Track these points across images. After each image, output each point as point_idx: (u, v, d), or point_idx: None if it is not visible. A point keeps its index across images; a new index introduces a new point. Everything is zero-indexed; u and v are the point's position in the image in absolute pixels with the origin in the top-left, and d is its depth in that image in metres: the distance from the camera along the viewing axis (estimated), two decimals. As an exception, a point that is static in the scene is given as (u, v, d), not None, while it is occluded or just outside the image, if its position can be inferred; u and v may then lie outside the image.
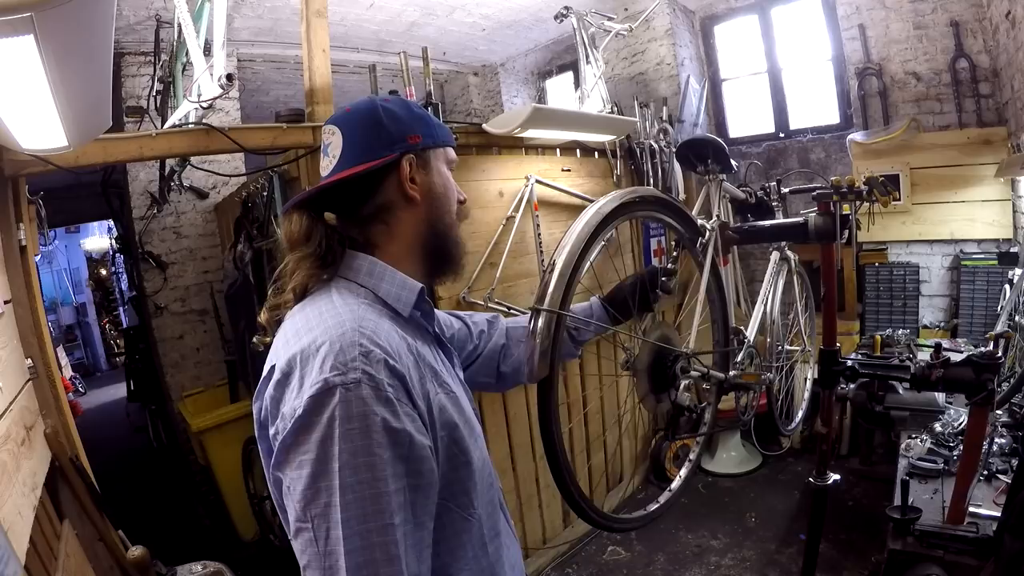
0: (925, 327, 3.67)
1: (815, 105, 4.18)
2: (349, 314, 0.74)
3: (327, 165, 0.86)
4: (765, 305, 2.24)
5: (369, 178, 0.83)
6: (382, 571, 0.63)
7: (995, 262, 3.37)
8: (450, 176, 0.92)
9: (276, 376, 0.72)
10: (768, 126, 4.40)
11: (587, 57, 3.34)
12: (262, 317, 0.85)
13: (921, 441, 2.47)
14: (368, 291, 0.81)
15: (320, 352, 0.69)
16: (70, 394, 2.30)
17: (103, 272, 9.85)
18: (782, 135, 4.33)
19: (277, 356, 0.74)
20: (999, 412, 2.32)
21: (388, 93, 2.25)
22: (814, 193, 1.99)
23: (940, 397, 2.73)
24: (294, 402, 0.68)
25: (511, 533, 0.92)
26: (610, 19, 3.48)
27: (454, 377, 0.89)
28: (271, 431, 0.72)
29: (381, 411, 0.66)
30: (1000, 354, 2.01)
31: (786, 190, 2.49)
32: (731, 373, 1.85)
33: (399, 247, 0.86)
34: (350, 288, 0.81)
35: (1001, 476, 2.07)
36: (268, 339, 0.83)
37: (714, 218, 2.04)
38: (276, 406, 0.71)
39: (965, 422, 2.35)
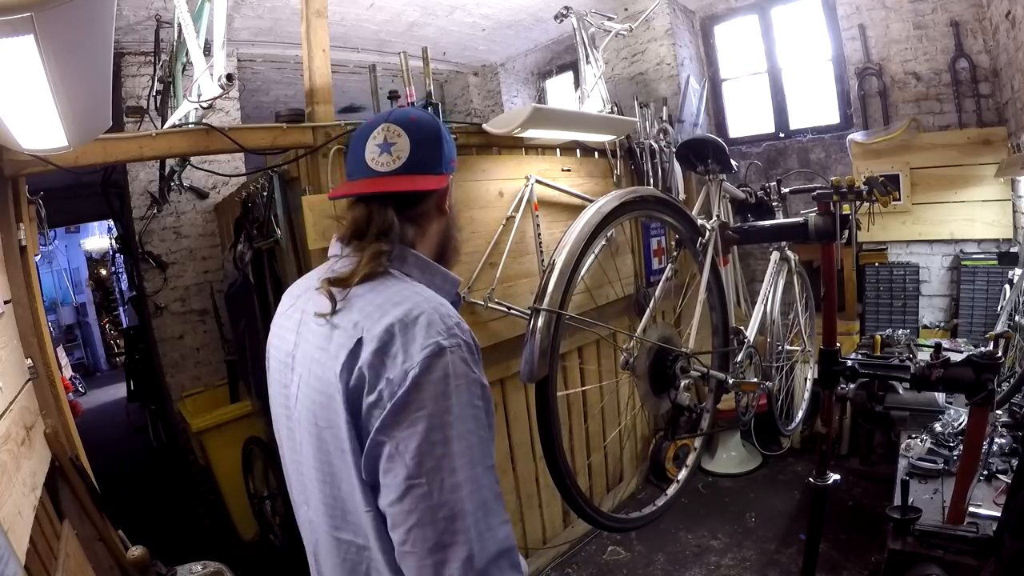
0: (925, 327, 3.68)
1: (815, 105, 4.19)
2: (429, 293, 0.83)
3: (387, 162, 0.90)
4: (765, 305, 2.24)
5: (425, 193, 0.92)
6: (492, 507, 0.73)
7: (995, 262, 3.37)
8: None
9: (373, 344, 0.75)
10: (768, 126, 4.40)
11: (587, 57, 3.34)
12: (320, 295, 0.85)
13: (921, 441, 2.47)
14: (420, 283, 0.87)
15: (421, 320, 0.76)
16: (70, 394, 2.30)
17: (103, 272, 9.86)
18: (782, 135, 4.33)
19: (363, 329, 0.77)
20: (999, 412, 2.32)
21: (388, 93, 2.25)
22: (814, 193, 1.99)
23: (940, 397, 2.73)
24: (405, 365, 0.73)
25: None
26: (610, 19, 3.48)
27: None
28: (370, 398, 0.75)
29: (477, 370, 0.78)
30: (1000, 354, 2.01)
31: (786, 190, 2.50)
32: (730, 381, 1.85)
33: (426, 248, 0.94)
34: (409, 277, 0.87)
35: (1001, 476, 2.07)
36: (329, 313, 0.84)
37: (714, 218, 2.04)
38: (377, 372, 0.75)
39: (965, 422, 2.36)
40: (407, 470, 0.71)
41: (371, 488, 0.77)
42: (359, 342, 0.77)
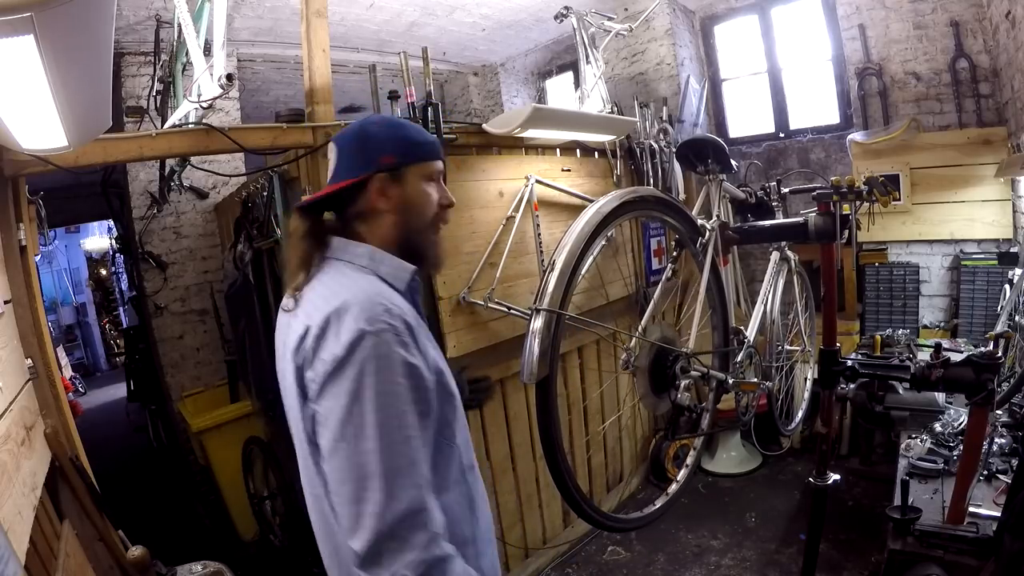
0: (925, 327, 3.67)
1: (815, 105, 4.18)
2: (367, 284, 0.96)
3: (328, 176, 1.08)
4: (765, 305, 2.24)
5: (351, 189, 1.04)
6: (404, 472, 0.82)
7: (995, 262, 3.37)
8: (428, 188, 1.08)
9: (314, 331, 0.90)
10: (768, 126, 4.40)
11: (587, 57, 3.34)
12: (286, 298, 1.02)
13: (921, 441, 2.47)
14: (371, 271, 1.01)
15: (352, 310, 0.88)
16: (70, 394, 2.30)
17: (103, 272, 9.86)
18: (782, 135, 4.33)
19: (311, 318, 0.92)
20: (999, 412, 2.32)
21: (388, 93, 2.25)
22: (814, 193, 1.99)
23: (940, 397, 2.73)
24: (333, 348, 0.86)
25: (478, 471, 1.11)
26: (610, 19, 3.48)
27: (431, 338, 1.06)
28: (309, 374, 0.90)
29: (400, 351, 0.87)
30: (1000, 354, 2.01)
31: (786, 190, 2.50)
32: (730, 381, 1.85)
33: (377, 241, 1.05)
34: (355, 268, 1.01)
35: (1001, 476, 2.07)
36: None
37: (714, 218, 2.04)
38: (315, 354, 0.89)
39: (965, 422, 2.35)
40: (332, 433, 0.85)
41: (316, 447, 0.91)
42: (307, 329, 0.91)
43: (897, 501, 1.95)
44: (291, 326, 0.97)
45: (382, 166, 1.04)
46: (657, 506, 1.84)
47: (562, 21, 3.30)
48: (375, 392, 0.84)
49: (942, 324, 3.64)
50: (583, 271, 1.44)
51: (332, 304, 0.90)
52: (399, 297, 0.98)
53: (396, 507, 0.81)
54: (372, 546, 0.80)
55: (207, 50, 1.99)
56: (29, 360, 1.64)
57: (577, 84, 3.70)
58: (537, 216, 2.78)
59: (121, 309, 8.83)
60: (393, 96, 2.25)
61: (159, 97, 3.03)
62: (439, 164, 1.11)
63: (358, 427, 0.83)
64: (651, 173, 3.41)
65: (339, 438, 0.84)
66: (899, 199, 3.53)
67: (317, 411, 0.88)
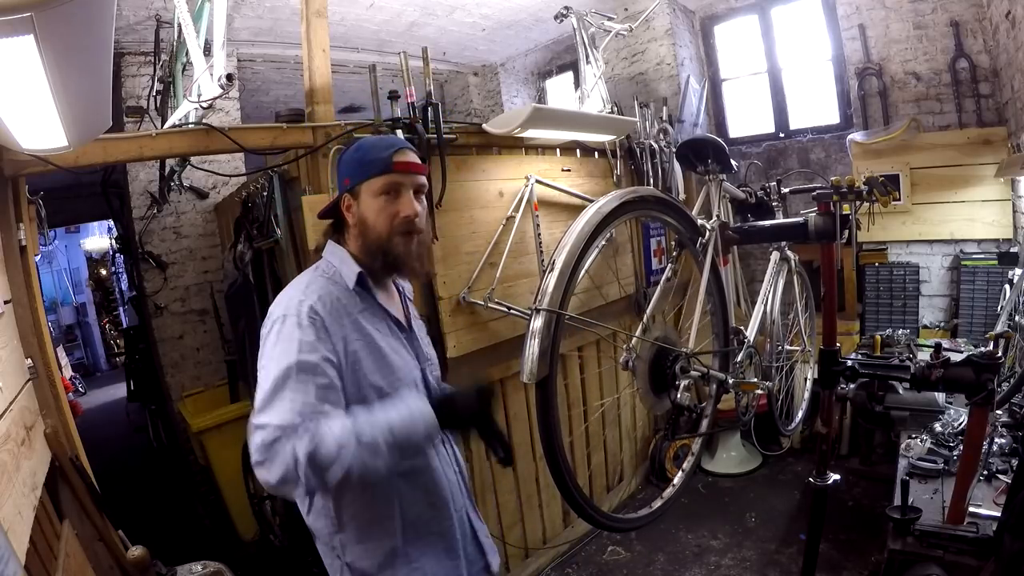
0: (925, 327, 3.67)
1: (815, 105, 4.18)
2: (306, 281, 1.20)
3: None
4: (765, 305, 2.24)
5: (335, 205, 1.27)
6: (282, 395, 1.02)
7: (995, 262, 3.37)
8: (378, 202, 1.20)
9: (268, 315, 1.16)
10: (768, 126, 4.40)
11: (587, 57, 3.34)
12: None
13: (921, 441, 2.47)
14: (337, 269, 1.23)
15: (279, 300, 1.16)
16: (70, 394, 2.30)
17: (103, 272, 9.86)
18: (782, 135, 4.33)
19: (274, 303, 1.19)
20: (999, 412, 2.32)
21: (388, 93, 2.25)
22: (814, 193, 1.99)
23: (940, 397, 2.73)
24: (267, 323, 1.14)
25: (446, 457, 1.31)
26: (610, 19, 3.48)
27: (397, 340, 1.25)
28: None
29: (296, 332, 1.09)
30: (1000, 354, 2.01)
31: (786, 190, 2.49)
32: (730, 381, 1.85)
33: (352, 248, 1.25)
34: (326, 266, 1.24)
35: (1001, 476, 2.07)
36: None
37: (714, 218, 2.04)
38: (263, 333, 1.15)
39: (965, 422, 2.35)
40: (260, 374, 1.08)
41: None
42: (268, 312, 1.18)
43: (897, 501, 1.95)
44: None
45: (344, 187, 1.23)
46: (657, 506, 1.84)
47: (562, 21, 3.30)
48: (275, 344, 1.09)
49: (942, 324, 3.64)
50: (583, 271, 1.44)
51: (281, 297, 1.17)
52: (334, 293, 1.17)
53: (264, 417, 1.01)
54: (254, 421, 1.02)
55: (207, 50, 2.00)
56: (29, 360, 1.64)
57: (577, 84, 3.70)
58: (537, 216, 2.78)
59: (121, 309, 8.83)
60: (393, 96, 2.25)
61: (159, 97, 3.03)
62: (392, 177, 1.20)
63: (266, 361, 1.08)
64: (651, 173, 3.41)
65: (261, 367, 1.08)
66: (899, 199, 3.53)
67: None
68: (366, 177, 1.20)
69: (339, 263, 1.23)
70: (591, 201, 1.59)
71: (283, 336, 1.08)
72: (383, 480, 1.11)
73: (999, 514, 1.75)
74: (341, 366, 1.11)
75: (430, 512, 1.22)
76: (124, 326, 8.00)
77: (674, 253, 2.01)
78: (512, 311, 2.48)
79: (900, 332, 3.33)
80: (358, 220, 1.22)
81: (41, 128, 1.10)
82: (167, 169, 3.39)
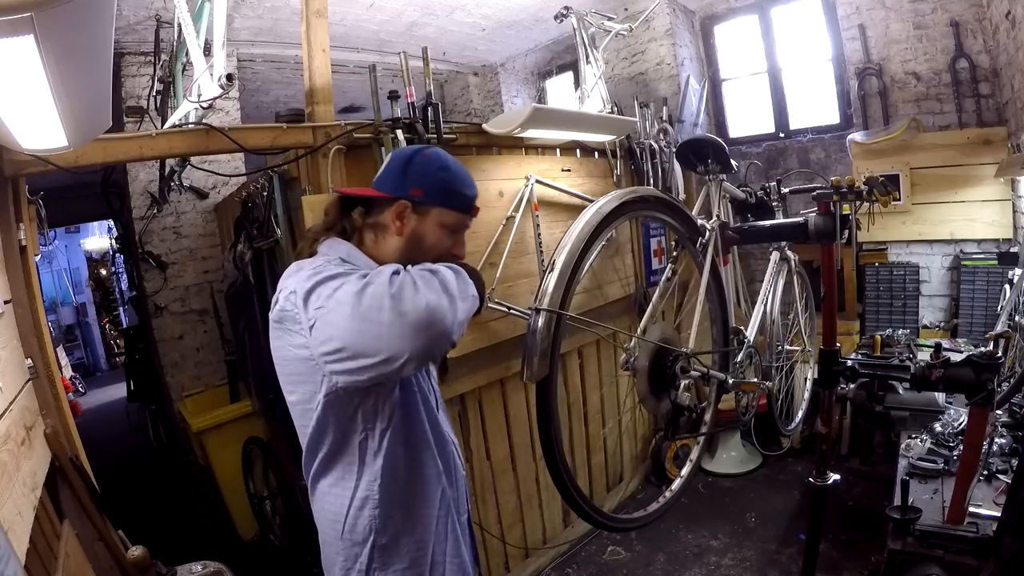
0: (925, 327, 3.67)
1: (815, 105, 4.18)
2: (324, 262, 1.07)
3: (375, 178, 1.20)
4: (765, 305, 2.24)
5: (380, 201, 1.15)
6: (361, 293, 0.92)
7: (995, 262, 3.37)
8: (440, 233, 1.15)
9: (277, 310, 1.06)
10: (768, 126, 4.40)
11: (587, 57, 3.34)
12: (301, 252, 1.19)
13: (921, 441, 2.47)
14: (345, 260, 1.10)
15: (304, 277, 1.01)
16: (70, 394, 2.29)
17: (103, 272, 9.85)
18: (782, 135, 4.33)
19: (287, 284, 1.05)
20: (999, 412, 2.32)
21: (388, 94, 2.25)
22: (814, 193, 1.99)
23: (940, 397, 2.72)
24: (290, 300, 1.02)
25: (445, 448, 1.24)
26: (610, 19, 3.48)
27: None
28: (276, 314, 1.06)
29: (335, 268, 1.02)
30: (1000, 354, 2.01)
31: (786, 190, 2.50)
32: (730, 381, 1.85)
33: (377, 254, 1.15)
34: (329, 258, 1.10)
35: (1001, 476, 2.07)
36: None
37: (714, 218, 2.04)
38: (279, 324, 1.06)
39: (965, 422, 2.35)
40: (315, 305, 0.97)
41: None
42: (281, 290, 1.06)
43: (897, 501, 1.95)
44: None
45: (410, 196, 1.12)
46: (657, 506, 1.84)
47: (562, 21, 3.30)
48: (327, 277, 0.98)
49: (942, 324, 3.64)
50: (583, 271, 1.44)
51: (291, 287, 1.04)
52: None
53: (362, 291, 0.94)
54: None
55: (207, 50, 1.99)
56: (29, 360, 1.64)
57: (577, 84, 3.70)
58: (537, 216, 2.78)
59: (121, 309, 8.81)
60: (393, 96, 2.25)
61: (159, 97, 3.03)
62: (466, 220, 1.18)
63: (327, 294, 0.96)
64: (651, 173, 3.41)
65: (317, 307, 0.97)
66: (899, 199, 3.53)
67: (306, 309, 0.98)
68: (445, 205, 1.14)
69: (349, 257, 1.12)
70: (591, 201, 1.59)
71: (322, 271, 1.00)
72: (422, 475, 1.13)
73: (999, 514, 1.75)
74: None
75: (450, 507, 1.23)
76: (124, 326, 7.99)
77: (674, 253, 2.01)
78: (512, 311, 2.48)
79: (900, 332, 3.33)
80: (410, 235, 1.14)
81: (41, 128, 1.10)
82: (167, 169, 3.39)
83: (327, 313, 0.94)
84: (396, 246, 1.14)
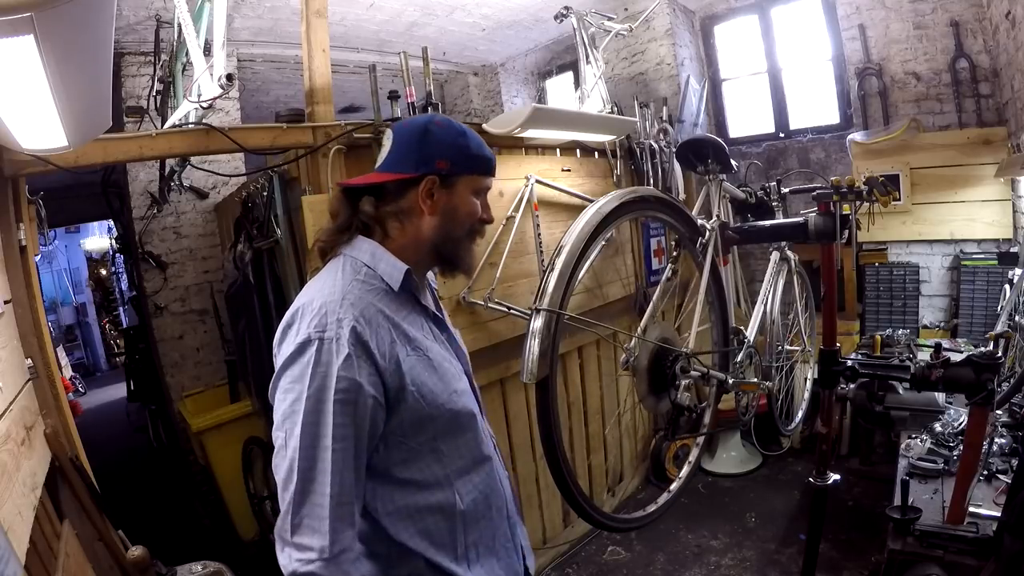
0: (925, 327, 3.67)
1: (815, 105, 4.18)
2: (341, 286, 0.98)
3: (378, 161, 1.08)
4: (765, 305, 2.25)
5: (398, 184, 1.05)
6: (314, 473, 0.89)
7: (995, 262, 3.37)
8: (473, 201, 1.09)
9: (284, 323, 0.98)
10: (768, 126, 4.40)
11: (587, 57, 3.34)
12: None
13: (921, 441, 2.47)
14: (371, 268, 1.03)
15: (310, 311, 0.94)
16: (70, 394, 2.29)
17: (103, 272, 9.86)
18: (782, 135, 4.33)
19: (291, 309, 0.99)
20: (999, 412, 2.32)
21: (388, 94, 2.25)
22: (814, 193, 1.99)
23: (940, 397, 2.72)
24: (288, 347, 0.94)
25: (490, 466, 1.14)
26: (610, 19, 3.48)
27: (440, 343, 1.10)
28: (275, 361, 0.97)
29: (340, 363, 0.90)
30: (1000, 354, 2.01)
31: (786, 190, 2.50)
32: (730, 381, 1.85)
33: (407, 241, 1.06)
34: (355, 265, 1.02)
35: (1001, 476, 2.07)
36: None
37: (714, 218, 2.04)
38: (279, 345, 0.97)
39: (965, 422, 2.35)
40: (277, 420, 0.93)
41: None
42: (285, 318, 1.00)
43: (897, 501, 1.95)
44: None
45: (437, 169, 1.04)
46: (657, 506, 1.84)
47: (562, 21, 3.30)
48: (308, 398, 0.90)
49: (942, 324, 3.64)
50: (583, 271, 1.44)
51: (302, 300, 0.99)
52: (377, 303, 0.99)
53: (302, 509, 0.89)
54: (280, 529, 0.90)
55: (207, 50, 2.00)
56: (29, 360, 1.64)
57: (577, 84, 3.70)
58: (537, 216, 2.78)
59: (121, 309, 8.82)
60: (393, 96, 2.25)
61: (159, 97, 3.03)
62: (490, 181, 1.13)
63: (291, 426, 0.91)
64: (651, 173, 3.41)
65: (279, 426, 0.93)
66: (899, 199, 3.53)
67: (274, 395, 0.96)
68: (472, 171, 1.08)
69: (373, 260, 1.04)
70: (591, 201, 1.59)
71: (316, 375, 0.91)
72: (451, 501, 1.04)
73: (999, 514, 1.75)
74: (388, 394, 0.97)
75: (492, 520, 1.14)
76: (124, 326, 7.99)
77: (674, 253, 2.01)
78: (512, 311, 2.48)
79: (900, 332, 3.33)
80: (444, 210, 1.06)
81: (41, 128, 1.10)
82: (167, 169, 3.39)
83: (275, 454, 0.93)
84: (430, 225, 1.06)
